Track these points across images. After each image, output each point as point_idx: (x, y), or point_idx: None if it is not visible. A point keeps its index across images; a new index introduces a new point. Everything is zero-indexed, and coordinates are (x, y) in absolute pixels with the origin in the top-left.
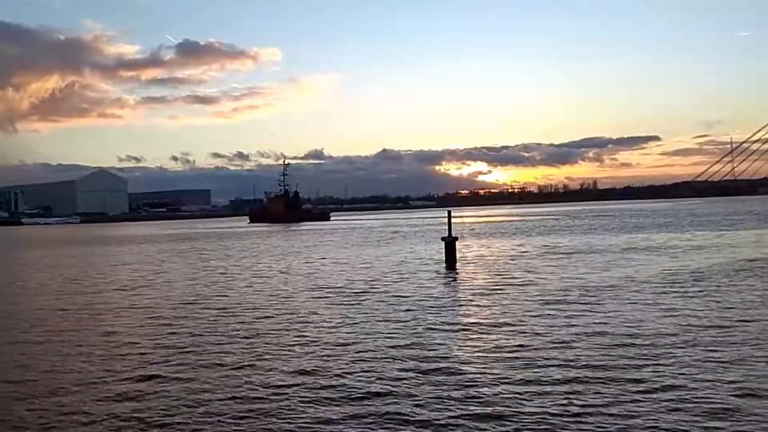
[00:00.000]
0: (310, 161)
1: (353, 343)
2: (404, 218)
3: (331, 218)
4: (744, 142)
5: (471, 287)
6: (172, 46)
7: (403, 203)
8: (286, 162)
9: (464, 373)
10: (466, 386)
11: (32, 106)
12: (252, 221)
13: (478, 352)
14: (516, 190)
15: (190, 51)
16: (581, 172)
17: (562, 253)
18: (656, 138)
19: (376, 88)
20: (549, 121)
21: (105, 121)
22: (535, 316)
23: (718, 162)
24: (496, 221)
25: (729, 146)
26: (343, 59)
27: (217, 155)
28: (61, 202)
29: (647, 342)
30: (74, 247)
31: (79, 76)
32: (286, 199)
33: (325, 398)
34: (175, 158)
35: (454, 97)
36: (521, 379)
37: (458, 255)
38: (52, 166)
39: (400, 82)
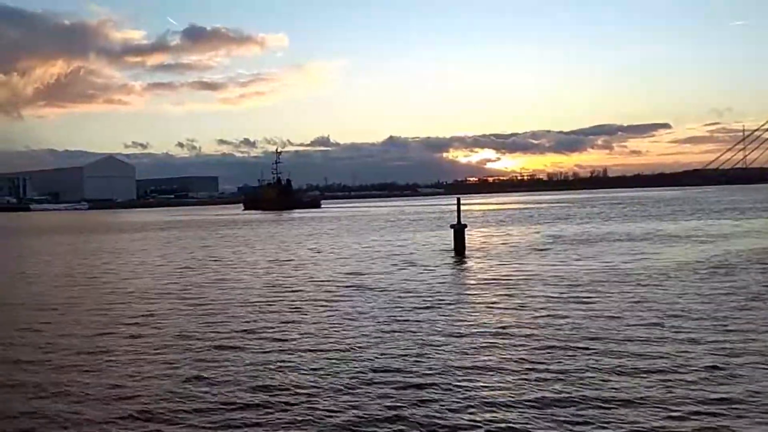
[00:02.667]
0: (317, 148)
1: (350, 343)
2: (408, 205)
3: (322, 206)
4: (756, 130)
5: (481, 276)
6: (178, 31)
7: (411, 190)
8: (278, 150)
9: (470, 388)
10: (474, 405)
11: (38, 92)
12: (246, 208)
13: (487, 357)
14: (525, 178)
15: (197, 36)
16: (591, 159)
17: (572, 241)
18: (666, 125)
19: (383, 75)
20: (558, 108)
21: (111, 107)
22: (550, 311)
23: (729, 150)
24: (505, 209)
25: (741, 134)
26: (349, 45)
27: (223, 142)
28: (69, 188)
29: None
30: (68, 235)
31: (85, 62)
32: (279, 187)
33: (305, 419)
34: (181, 145)
35: (461, 84)
36: (537, 398)
37: (467, 243)
38: (59, 152)
39: (406, 68)
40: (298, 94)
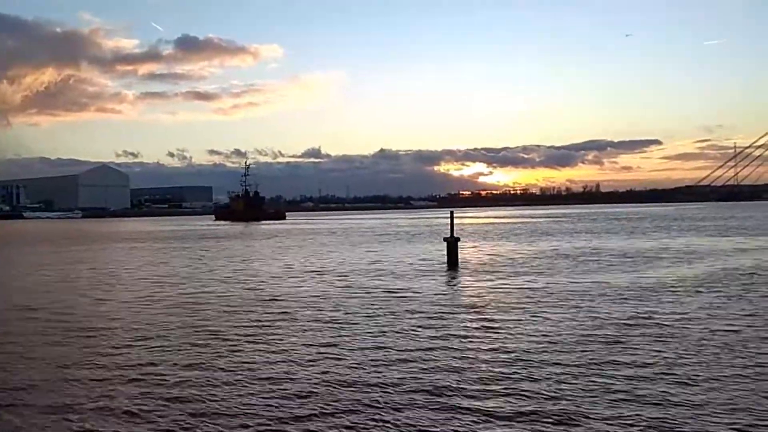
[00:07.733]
0: (308, 159)
1: (330, 370)
2: (400, 218)
3: (287, 218)
4: (747, 147)
5: (473, 290)
6: (171, 40)
7: (405, 203)
8: (247, 163)
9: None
10: None
11: (29, 100)
12: (217, 219)
13: (480, 379)
14: (518, 192)
15: (190, 46)
16: (582, 174)
17: (565, 255)
18: (657, 142)
19: (375, 88)
20: (549, 123)
21: (103, 116)
22: (544, 326)
23: (721, 167)
24: (499, 222)
25: (732, 151)
26: (343, 58)
27: (214, 152)
28: (63, 196)
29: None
30: (48, 245)
31: (77, 70)
32: (246, 199)
33: None
34: (171, 154)
35: (453, 98)
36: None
37: (460, 256)
38: (52, 160)
39: (399, 81)
40: (291, 106)
